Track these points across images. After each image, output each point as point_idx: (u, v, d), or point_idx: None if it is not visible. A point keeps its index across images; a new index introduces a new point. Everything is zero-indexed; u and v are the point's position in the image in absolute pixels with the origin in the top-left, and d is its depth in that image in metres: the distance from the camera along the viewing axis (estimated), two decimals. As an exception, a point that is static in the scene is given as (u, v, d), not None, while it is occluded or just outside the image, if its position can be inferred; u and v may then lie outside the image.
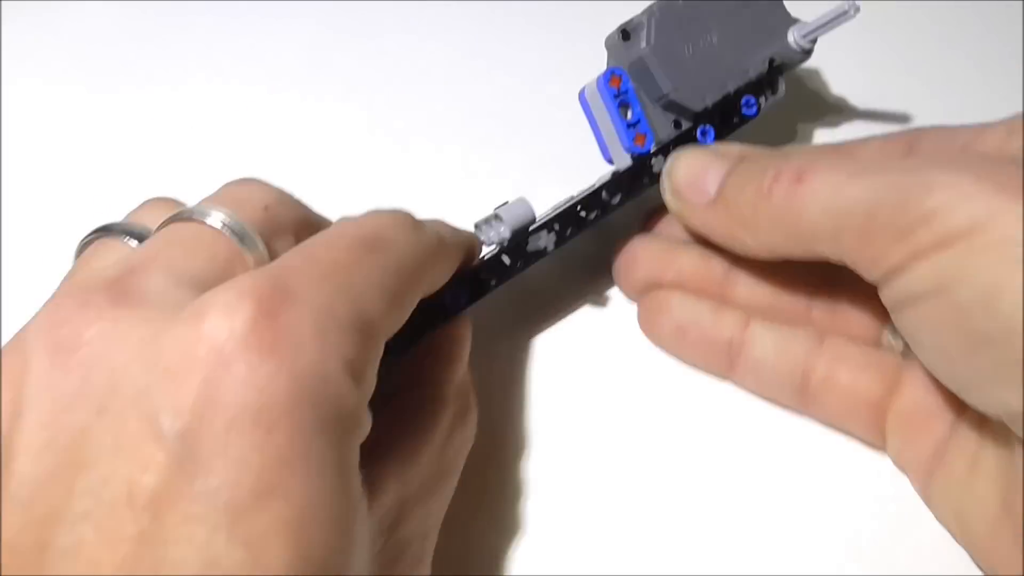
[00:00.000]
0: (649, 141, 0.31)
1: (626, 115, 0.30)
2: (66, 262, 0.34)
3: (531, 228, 0.30)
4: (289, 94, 0.44)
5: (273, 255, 0.22)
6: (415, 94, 0.43)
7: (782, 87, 0.32)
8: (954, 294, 0.21)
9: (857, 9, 0.30)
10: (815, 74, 0.41)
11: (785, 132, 0.38)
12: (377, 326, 0.21)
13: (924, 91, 0.41)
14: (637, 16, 0.31)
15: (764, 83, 0.31)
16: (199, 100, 0.43)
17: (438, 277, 0.26)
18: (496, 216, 0.29)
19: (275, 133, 0.42)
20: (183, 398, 0.17)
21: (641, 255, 0.31)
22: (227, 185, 0.25)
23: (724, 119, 0.31)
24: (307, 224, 0.25)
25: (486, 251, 0.30)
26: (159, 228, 0.22)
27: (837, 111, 0.40)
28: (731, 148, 0.29)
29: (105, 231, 0.24)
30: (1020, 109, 0.37)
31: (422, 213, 0.35)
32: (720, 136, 0.31)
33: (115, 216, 0.30)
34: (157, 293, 0.20)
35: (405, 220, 0.24)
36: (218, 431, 0.17)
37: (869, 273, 0.23)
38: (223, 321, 0.18)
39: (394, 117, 0.42)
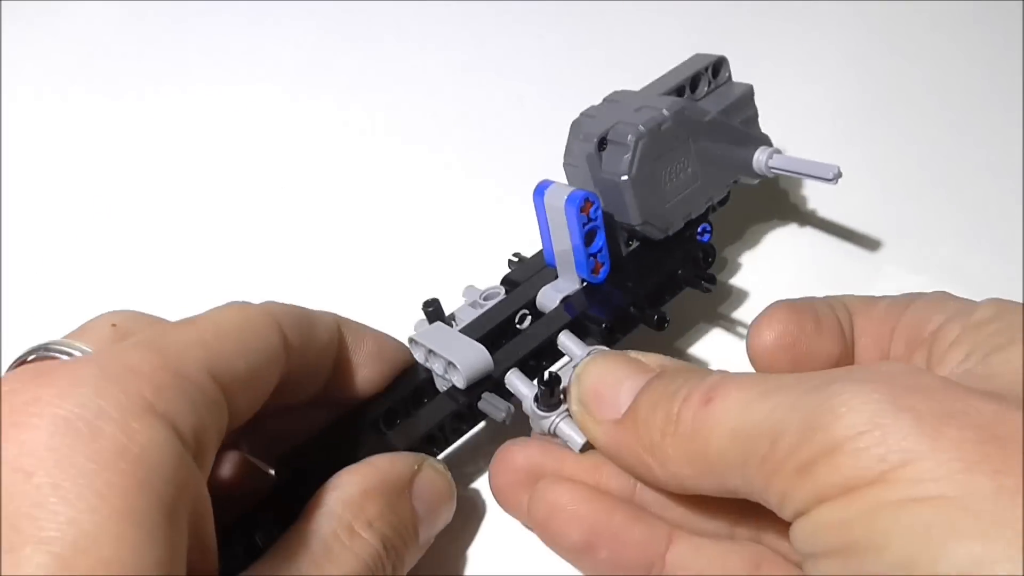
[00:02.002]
0: (605, 271, 0.29)
1: (589, 242, 0.28)
2: (66, 262, 0.37)
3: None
4: (289, 94, 0.43)
5: None
6: (416, 95, 0.43)
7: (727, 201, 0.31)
8: (861, 561, 0.18)
9: (839, 177, 0.29)
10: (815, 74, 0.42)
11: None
12: (196, 382, 0.20)
13: (924, 91, 0.41)
14: (618, 128, 0.28)
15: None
16: (199, 100, 0.43)
17: (301, 356, 0.25)
18: (450, 364, 0.27)
19: (274, 133, 0.41)
20: None
21: (521, 450, 0.27)
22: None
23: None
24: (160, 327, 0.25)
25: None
26: (9, 368, 0.23)
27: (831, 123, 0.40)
28: (650, 359, 0.25)
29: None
30: (1020, 109, 0.39)
31: (420, 213, 0.36)
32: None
33: (112, 218, 0.32)
34: None
35: (230, 304, 0.25)
36: None
37: (779, 511, 0.20)
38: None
39: (395, 117, 0.42)
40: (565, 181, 0.30)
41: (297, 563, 0.22)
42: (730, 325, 0.33)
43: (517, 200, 0.36)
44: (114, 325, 0.24)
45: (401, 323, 0.30)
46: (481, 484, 0.29)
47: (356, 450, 0.26)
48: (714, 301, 0.33)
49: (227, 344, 0.22)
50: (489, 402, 0.27)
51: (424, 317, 0.30)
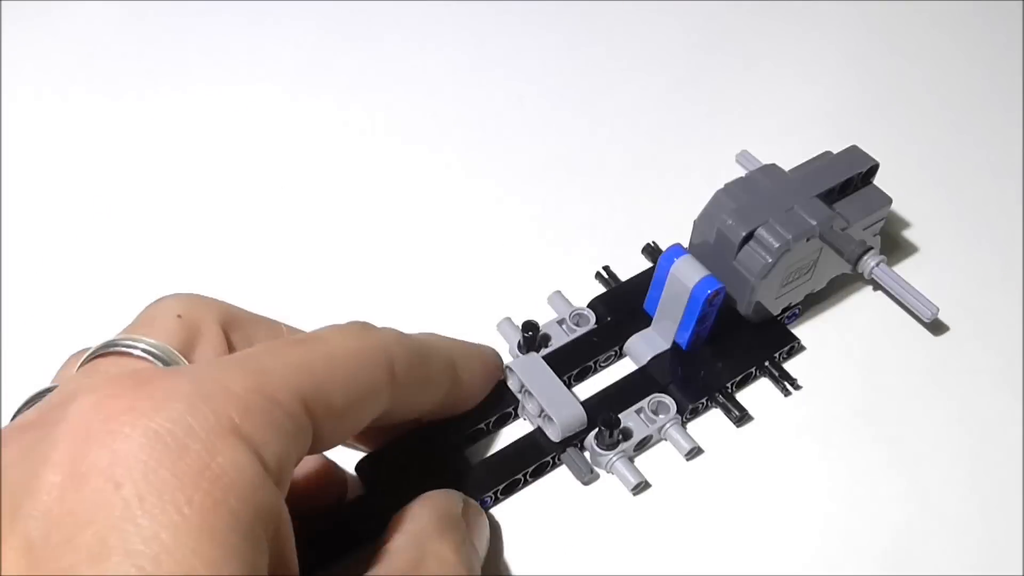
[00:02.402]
0: (700, 344, 0.30)
1: (701, 323, 0.29)
2: (66, 263, 0.37)
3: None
4: (289, 94, 0.42)
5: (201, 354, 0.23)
6: (416, 94, 0.42)
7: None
8: None
9: (935, 314, 0.31)
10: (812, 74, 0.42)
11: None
12: (286, 408, 0.20)
13: (924, 91, 0.42)
14: (765, 232, 0.28)
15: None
16: (199, 100, 0.41)
17: (407, 392, 0.25)
18: (548, 416, 0.28)
19: (275, 133, 0.40)
20: (47, 477, 0.18)
21: None
22: (142, 311, 0.25)
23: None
24: (231, 317, 0.25)
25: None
26: (82, 364, 0.23)
27: (831, 123, 0.40)
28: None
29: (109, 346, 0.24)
30: (1020, 109, 0.41)
31: (421, 213, 0.37)
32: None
33: (112, 218, 0.33)
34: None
35: (350, 324, 0.24)
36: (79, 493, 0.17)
37: None
38: (87, 398, 0.19)
39: (395, 117, 0.41)
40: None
41: None
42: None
43: (517, 200, 0.38)
44: (179, 316, 0.24)
45: (403, 322, 0.31)
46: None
47: (438, 468, 0.28)
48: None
49: (330, 374, 0.22)
50: (574, 460, 0.28)
51: (521, 340, 0.30)
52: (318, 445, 0.22)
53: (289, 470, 0.21)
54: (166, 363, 0.22)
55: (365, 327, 0.25)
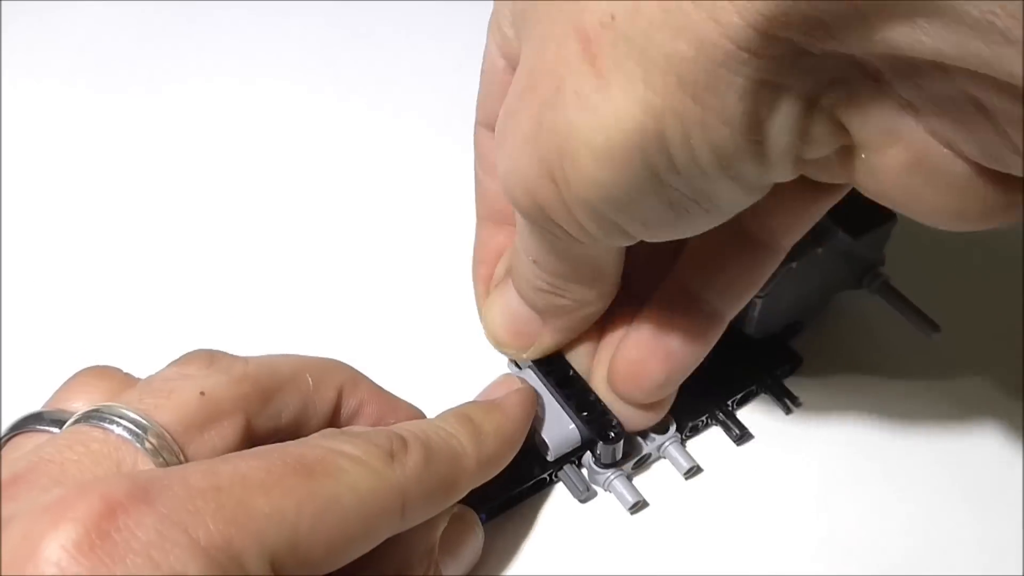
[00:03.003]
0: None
1: None
2: (66, 264, 0.36)
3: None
4: (289, 94, 0.41)
5: (206, 452, 0.20)
6: (417, 93, 0.42)
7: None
8: None
9: (939, 331, 0.31)
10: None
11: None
12: (282, 564, 0.18)
13: None
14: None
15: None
16: (199, 100, 0.41)
17: (419, 512, 0.22)
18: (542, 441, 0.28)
19: (275, 133, 0.40)
20: None
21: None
22: (173, 363, 0.23)
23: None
24: (264, 403, 0.22)
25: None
26: (70, 424, 0.20)
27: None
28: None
29: (31, 421, 0.22)
30: None
31: (421, 212, 0.37)
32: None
33: (112, 218, 0.32)
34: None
35: (375, 449, 0.21)
36: None
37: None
38: (45, 527, 0.16)
39: (395, 117, 0.41)
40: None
41: None
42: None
43: None
44: (203, 394, 0.21)
45: (405, 320, 0.31)
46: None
47: None
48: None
49: (321, 526, 0.19)
50: (571, 478, 0.28)
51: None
52: None
53: None
54: (154, 451, 0.20)
55: (387, 458, 0.21)
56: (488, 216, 0.29)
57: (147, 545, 0.17)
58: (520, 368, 0.30)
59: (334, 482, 0.20)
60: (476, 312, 0.29)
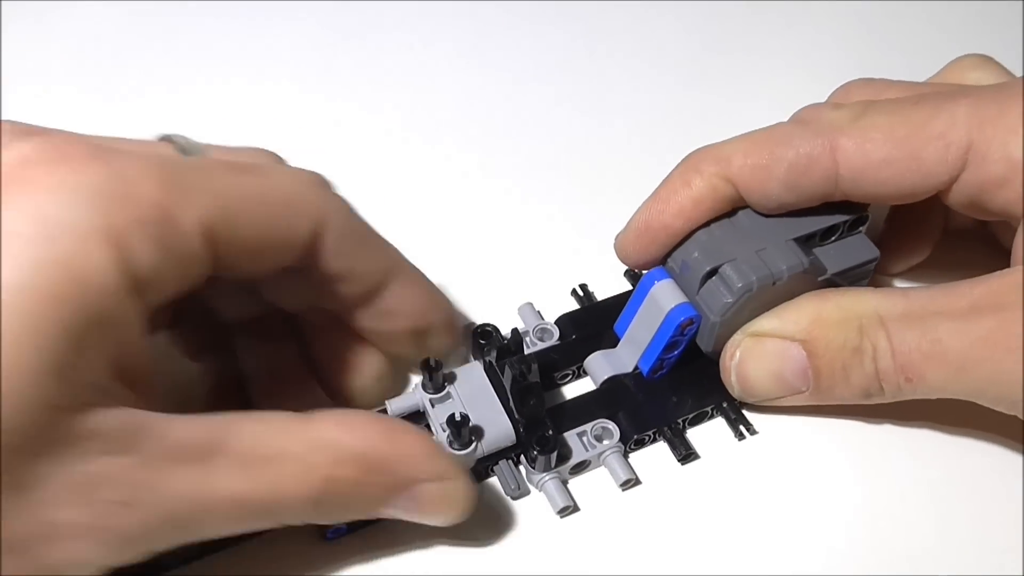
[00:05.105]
0: (661, 374, 0.30)
1: (668, 351, 0.29)
2: None
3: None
4: (290, 95, 0.42)
5: None
6: (417, 92, 0.42)
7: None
8: None
9: None
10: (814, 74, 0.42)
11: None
12: (182, 233, 0.21)
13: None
14: (729, 269, 0.27)
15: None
16: (199, 101, 0.41)
17: (328, 265, 0.25)
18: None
19: (275, 134, 0.39)
20: None
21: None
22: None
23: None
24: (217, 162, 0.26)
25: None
26: None
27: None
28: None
29: None
30: None
31: (422, 212, 0.38)
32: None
33: None
34: None
35: (304, 173, 0.26)
36: None
37: None
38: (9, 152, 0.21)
39: (395, 115, 0.41)
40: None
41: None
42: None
43: (515, 202, 0.37)
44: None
45: None
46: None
47: None
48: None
49: (250, 210, 0.23)
50: (504, 474, 0.28)
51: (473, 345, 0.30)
52: (222, 272, 0.23)
53: (161, 289, 0.21)
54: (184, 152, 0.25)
55: (320, 182, 0.25)
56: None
57: (94, 190, 0.20)
58: (476, 359, 0.30)
59: (264, 180, 0.23)
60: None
